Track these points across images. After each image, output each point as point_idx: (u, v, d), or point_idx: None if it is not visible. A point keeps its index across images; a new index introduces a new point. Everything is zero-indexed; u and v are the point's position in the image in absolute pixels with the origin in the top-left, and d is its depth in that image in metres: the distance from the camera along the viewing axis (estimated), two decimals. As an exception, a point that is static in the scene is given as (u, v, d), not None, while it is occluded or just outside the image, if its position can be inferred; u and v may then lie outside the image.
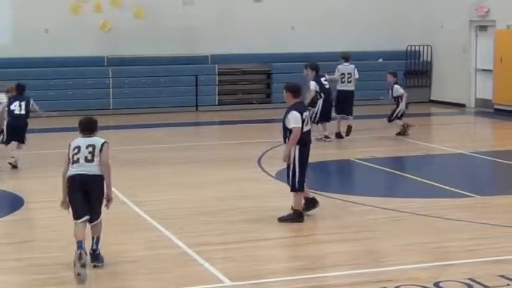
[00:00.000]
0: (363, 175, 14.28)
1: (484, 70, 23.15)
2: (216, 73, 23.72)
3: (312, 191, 12.25)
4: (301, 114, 10.39)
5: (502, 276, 8.11)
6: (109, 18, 22.76)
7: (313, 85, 16.58)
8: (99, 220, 8.70)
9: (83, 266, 8.15)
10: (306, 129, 10.43)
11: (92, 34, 22.81)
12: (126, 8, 22.97)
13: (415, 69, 25.13)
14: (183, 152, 16.28)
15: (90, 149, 8.61)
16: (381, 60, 24.87)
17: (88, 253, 8.49)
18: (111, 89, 22.76)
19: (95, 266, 8.56)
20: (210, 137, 19.49)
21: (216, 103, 23.67)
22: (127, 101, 22.79)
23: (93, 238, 8.67)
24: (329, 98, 16.92)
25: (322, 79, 16.83)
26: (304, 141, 10.45)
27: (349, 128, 17.36)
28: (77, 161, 8.58)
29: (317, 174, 14.14)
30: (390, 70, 18.15)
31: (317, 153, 15.22)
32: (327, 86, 16.79)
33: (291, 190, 10.64)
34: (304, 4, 24.52)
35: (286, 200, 12.02)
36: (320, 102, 16.62)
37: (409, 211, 11.13)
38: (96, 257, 8.64)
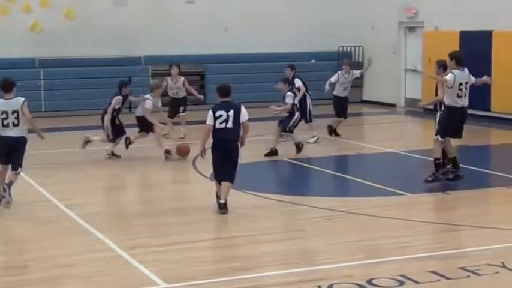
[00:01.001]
0: (296, 175, 14.42)
1: (413, 70, 23.57)
2: (150, 74, 23.63)
3: (246, 191, 12.35)
4: (214, 113, 11.06)
5: (432, 272, 8.29)
6: (39, 19, 22.46)
7: (290, 98, 15.75)
8: (18, 171, 11.46)
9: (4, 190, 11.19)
10: (218, 126, 11.01)
11: (22, 35, 22.47)
12: (56, 9, 22.70)
13: (347, 70, 25.41)
14: (119, 153, 16.16)
15: (16, 114, 11.30)
16: (313, 61, 25.12)
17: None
18: (42, 91, 22.49)
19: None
20: (145, 138, 19.34)
21: (150, 105, 23.54)
22: (59, 103, 22.55)
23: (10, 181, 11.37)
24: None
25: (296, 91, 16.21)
26: (215, 139, 11.11)
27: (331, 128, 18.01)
28: (7, 125, 11.27)
29: (251, 175, 14.22)
30: (282, 77, 16.75)
31: (251, 154, 15.34)
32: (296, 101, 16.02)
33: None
34: (237, 5, 24.62)
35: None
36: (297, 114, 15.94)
37: (342, 210, 11.28)
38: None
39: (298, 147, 15.50)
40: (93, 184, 13.34)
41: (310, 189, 13.17)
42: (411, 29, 24.00)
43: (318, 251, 9.38)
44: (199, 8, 24.31)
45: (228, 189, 11.11)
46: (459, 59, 12.76)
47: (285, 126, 15.63)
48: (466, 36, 21.22)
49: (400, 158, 15.83)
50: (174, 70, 17.61)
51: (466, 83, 12.70)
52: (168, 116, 18.01)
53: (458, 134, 12.91)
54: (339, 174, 13.97)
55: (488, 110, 20.42)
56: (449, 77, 12.51)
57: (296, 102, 15.81)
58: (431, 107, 14.51)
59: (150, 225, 10.57)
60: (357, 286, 7.91)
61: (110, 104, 15.76)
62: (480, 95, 19.57)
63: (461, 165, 13.21)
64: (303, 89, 16.88)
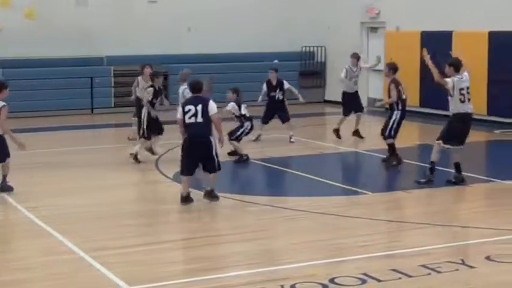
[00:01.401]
0: (259, 175, 14.45)
1: (375, 70, 23.72)
2: (112, 75, 23.53)
3: (209, 192, 12.34)
4: (183, 108, 11.38)
5: (394, 270, 8.36)
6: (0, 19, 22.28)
7: (230, 106, 15.60)
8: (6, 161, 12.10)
9: None
10: (188, 121, 11.30)
11: (-18, 36, 22.29)
12: (17, 9, 22.51)
13: (309, 70, 25.56)
14: (79, 155, 16.08)
15: None
16: (276, 61, 25.15)
17: None
18: (3, 92, 22.25)
19: None
20: (106, 139, 19.30)
21: (112, 105, 23.48)
22: (20, 104, 22.20)
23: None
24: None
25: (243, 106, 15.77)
26: (187, 134, 11.40)
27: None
28: None
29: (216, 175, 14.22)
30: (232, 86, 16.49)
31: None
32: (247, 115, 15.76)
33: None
34: (199, 5, 24.59)
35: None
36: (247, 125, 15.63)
37: (305, 209, 11.33)
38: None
39: (242, 158, 15.13)
40: (54, 186, 13.24)
41: (274, 190, 13.21)
42: (373, 29, 24.18)
43: (281, 251, 9.42)
44: (162, 7, 24.25)
45: (213, 178, 11.58)
46: (457, 66, 12.77)
47: (233, 135, 15.42)
48: (427, 37, 21.43)
49: (361, 157, 15.95)
50: (147, 70, 17.14)
51: (468, 87, 12.74)
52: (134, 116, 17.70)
53: (461, 142, 12.78)
54: (301, 174, 14.02)
55: (448, 109, 20.58)
56: (449, 80, 12.62)
57: (244, 113, 15.52)
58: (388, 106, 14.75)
59: (113, 226, 10.52)
60: (319, 285, 7.95)
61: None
62: (444, 95, 19.78)
63: (421, 164, 13.37)
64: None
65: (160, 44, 23.88)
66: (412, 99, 21.12)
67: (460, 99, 12.65)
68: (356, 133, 17.67)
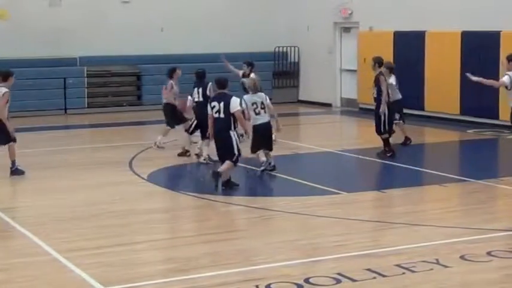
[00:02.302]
0: (234, 175, 14.41)
1: (348, 70, 23.86)
2: (85, 75, 23.42)
3: (184, 192, 12.36)
4: (210, 104, 12.46)
5: (368, 269, 8.39)
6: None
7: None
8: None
9: None
10: (215, 116, 12.31)
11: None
12: (-11, 10, 22.37)
13: (283, 70, 25.61)
14: (53, 156, 16.00)
15: None
16: (247, 61, 25.14)
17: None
18: (-25, 93, 22.07)
19: None
20: (80, 140, 19.19)
21: (86, 106, 23.39)
22: (-8, 105, 22.16)
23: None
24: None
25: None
26: (214, 127, 12.45)
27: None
28: None
29: (187, 175, 14.22)
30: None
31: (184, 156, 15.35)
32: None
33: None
34: (173, 5, 24.54)
35: (158, 202, 12.06)
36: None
37: (280, 209, 11.35)
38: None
39: (184, 152, 15.31)
40: (28, 187, 13.17)
41: (248, 190, 13.20)
42: (346, 30, 24.27)
43: (256, 251, 9.41)
44: (135, 8, 24.17)
45: (226, 165, 12.31)
46: None
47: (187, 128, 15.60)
48: (399, 37, 21.56)
49: (336, 157, 15.99)
50: (179, 72, 17.01)
51: None
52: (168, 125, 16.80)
53: None
54: (276, 174, 14.03)
55: (422, 109, 20.77)
56: (505, 78, 13.16)
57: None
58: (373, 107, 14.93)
59: (87, 227, 10.47)
60: (294, 285, 7.97)
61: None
62: (414, 95, 19.93)
63: (396, 163, 13.45)
64: None
65: (134, 45, 23.80)
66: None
67: None
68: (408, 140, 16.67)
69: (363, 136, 15.57)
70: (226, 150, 12.33)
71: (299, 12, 25.14)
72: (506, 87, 13.48)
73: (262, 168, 13.59)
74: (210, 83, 14.72)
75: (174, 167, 14.80)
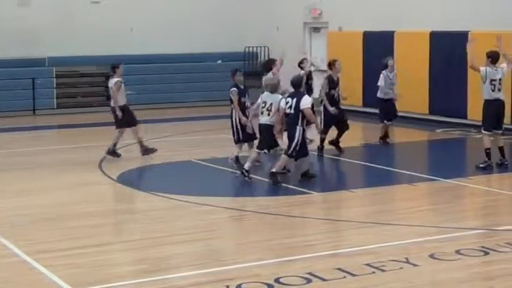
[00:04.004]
0: (204, 176, 14.41)
1: (318, 70, 23.90)
2: (54, 76, 23.27)
3: (154, 193, 12.33)
4: (285, 100, 13.09)
5: (338, 269, 8.42)
6: None
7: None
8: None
9: None
10: (287, 111, 12.95)
11: None
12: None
13: (253, 70, 25.57)
14: (21, 157, 15.89)
15: None
16: (220, 61, 25.19)
17: None
18: None
19: None
20: (49, 141, 19.07)
21: (55, 106, 23.24)
22: (-39, 106, 21.99)
23: None
24: None
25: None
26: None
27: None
28: None
29: (158, 176, 14.18)
30: None
31: (156, 155, 15.31)
32: None
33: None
34: (143, 5, 24.47)
35: (128, 203, 12.01)
36: None
37: (251, 210, 11.36)
38: None
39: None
40: (-4, 188, 13.06)
41: (219, 190, 13.20)
42: (316, 30, 24.34)
43: (227, 251, 9.42)
44: (105, 8, 24.05)
45: (281, 160, 13.05)
46: (494, 58, 13.94)
47: None
48: (369, 37, 21.67)
49: (311, 156, 15.99)
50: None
51: (500, 79, 13.87)
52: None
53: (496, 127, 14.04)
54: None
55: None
56: (482, 69, 13.83)
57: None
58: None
59: (56, 229, 10.41)
60: (264, 285, 7.98)
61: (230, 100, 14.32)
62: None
63: (365, 163, 13.53)
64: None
65: (103, 45, 23.67)
66: (356, 98, 21.37)
67: (491, 88, 13.78)
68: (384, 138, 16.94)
69: (332, 136, 15.63)
70: (288, 144, 13.00)
71: (269, 12, 25.17)
72: (483, 79, 13.82)
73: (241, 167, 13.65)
74: (234, 88, 14.34)
75: (143, 167, 14.76)
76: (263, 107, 13.44)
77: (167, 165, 14.98)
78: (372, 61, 20.29)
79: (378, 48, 21.09)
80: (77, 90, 24.06)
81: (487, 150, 13.85)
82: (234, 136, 14.37)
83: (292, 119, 12.92)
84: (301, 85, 13.32)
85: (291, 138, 12.98)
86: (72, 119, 21.94)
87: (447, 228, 10.13)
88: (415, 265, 8.58)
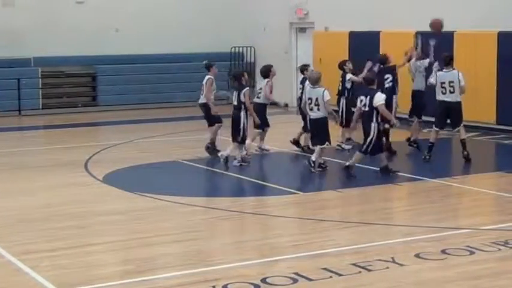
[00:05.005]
0: (190, 176, 14.40)
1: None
2: (39, 76, 23.18)
3: (140, 193, 12.31)
4: (358, 97, 13.51)
5: (325, 269, 8.43)
6: None
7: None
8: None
9: None
10: (363, 109, 13.35)
11: None
12: None
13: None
14: (7, 158, 15.83)
15: None
16: (206, 62, 25.10)
17: None
18: None
19: None
20: (34, 141, 18.99)
21: (40, 107, 23.14)
22: None
23: None
24: None
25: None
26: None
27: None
28: None
29: (144, 176, 14.15)
30: None
31: (142, 156, 15.29)
32: None
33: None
34: (128, 5, 24.41)
35: (114, 203, 11.98)
36: None
37: (237, 210, 11.36)
38: None
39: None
40: (-19, 189, 13.00)
41: (205, 190, 13.20)
42: (302, 30, 24.36)
43: (213, 251, 9.41)
44: (90, 8, 23.98)
45: (356, 156, 13.48)
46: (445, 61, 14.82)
47: None
48: (354, 37, 21.70)
49: (292, 157, 16.04)
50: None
51: (448, 82, 14.67)
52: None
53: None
54: (232, 174, 14.04)
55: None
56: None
57: None
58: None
59: (42, 229, 10.37)
60: (251, 285, 7.98)
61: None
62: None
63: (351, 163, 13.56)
64: None
65: (88, 45, 23.61)
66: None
67: (442, 91, 14.73)
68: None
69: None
70: (364, 140, 13.35)
71: (255, 12, 25.17)
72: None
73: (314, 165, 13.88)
74: (247, 89, 14.74)
75: (129, 168, 14.72)
76: (310, 103, 13.80)
77: (153, 165, 14.96)
78: (357, 61, 20.28)
79: (363, 48, 21.11)
80: (63, 90, 23.98)
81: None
82: (237, 136, 14.53)
83: (367, 116, 13.26)
84: (374, 82, 13.56)
85: (366, 134, 13.36)
86: (58, 119, 21.87)
87: (433, 227, 10.16)
88: (401, 265, 8.61)
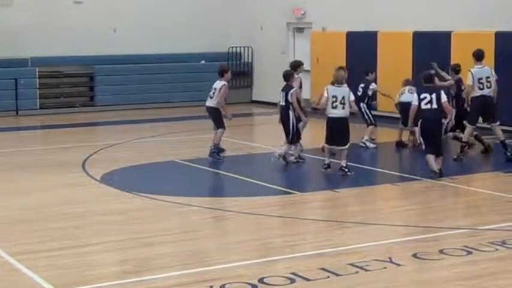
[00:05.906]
0: (188, 176, 14.40)
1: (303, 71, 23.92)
2: (37, 76, 23.17)
3: (137, 193, 12.31)
4: (419, 96, 13.38)
5: (322, 269, 8.44)
6: None
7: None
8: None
9: None
10: (424, 107, 13.26)
11: None
12: None
13: (236, 71, 25.58)
14: (4, 158, 15.82)
15: None
16: (203, 62, 25.17)
17: None
18: None
19: None
20: (32, 142, 18.99)
21: (38, 107, 23.14)
22: None
23: None
24: None
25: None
26: (423, 117, 13.35)
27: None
28: None
29: (141, 176, 14.15)
30: None
31: (140, 156, 15.29)
32: None
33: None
34: (126, 5, 24.41)
35: (111, 203, 11.98)
36: None
37: (234, 210, 11.36)
38: None
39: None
40: (-22, 189, 12.99)
41: (202, 190, 13.20)
42: (299, 30, 24.37)
43: (211, 251, 9.42)
44: (88, 8, 23.99)
45: (441, 161, 13.38)
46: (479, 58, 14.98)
47: None
48: (352, 37, 21.72)
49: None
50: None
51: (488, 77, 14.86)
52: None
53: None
54: (230, 174, 14.05)
55: (374, 109, 20.91)
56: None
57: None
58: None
59: (40, 230, 10.37)
60: (248, 285, 7.98)
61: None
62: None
63: (348, 163, 13.56)
64: None
65: (86, 45, 23.62)
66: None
67: (479, 86, 14.90)
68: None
69: (315, 136, 15.66)
70: (436, 138, 13.37)
71: (252, 12, 25.18)
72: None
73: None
74: (295, 89, 14.64)
75: (127, 168, 14.72)
76: (334, 101, 13.64)
77: (151, 165, 14.96)
78: (355, 62, 20.34)
79: (361, 48, 21.16)
80: (60, 90, 23.99)
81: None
82: (288, 136, 14.59)
83: (437, 114, 13.29)
84: (433, 80, 13.61)
85: (439, 135, 13.59)
86: (55, 119, 21.86)
87: (430, 227, 10.17)
88: (398, 265, 8.61)
